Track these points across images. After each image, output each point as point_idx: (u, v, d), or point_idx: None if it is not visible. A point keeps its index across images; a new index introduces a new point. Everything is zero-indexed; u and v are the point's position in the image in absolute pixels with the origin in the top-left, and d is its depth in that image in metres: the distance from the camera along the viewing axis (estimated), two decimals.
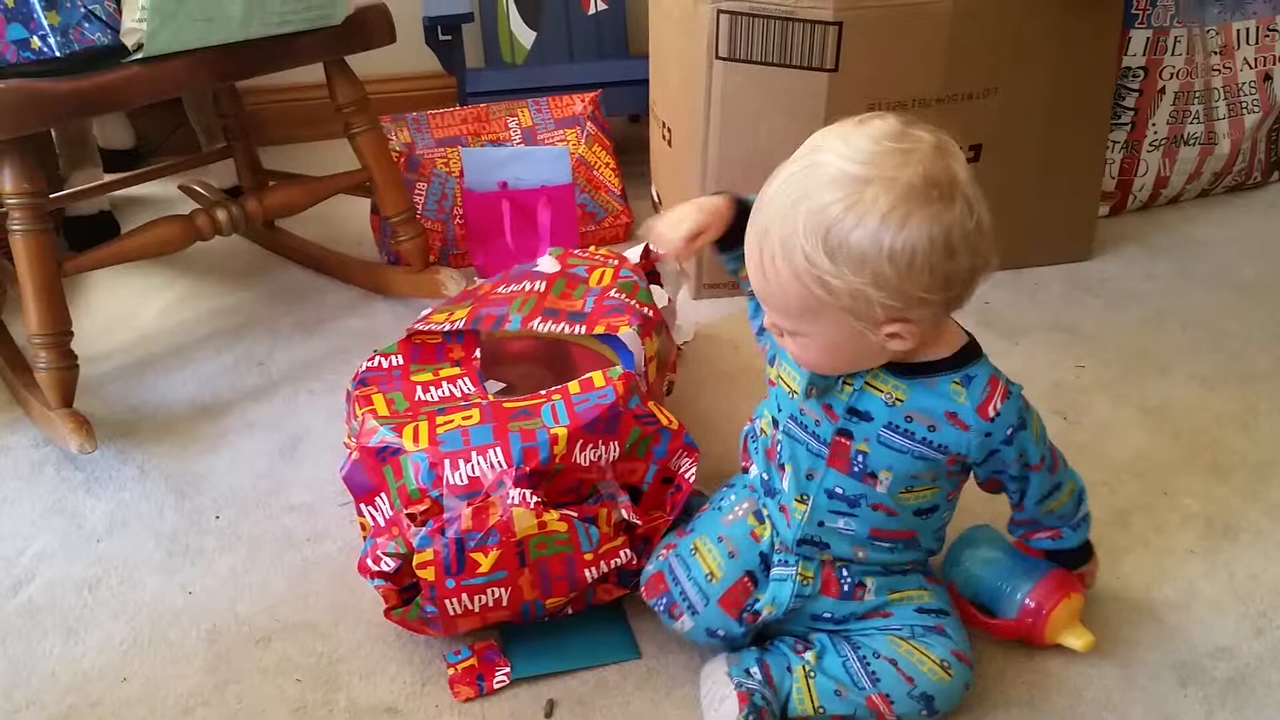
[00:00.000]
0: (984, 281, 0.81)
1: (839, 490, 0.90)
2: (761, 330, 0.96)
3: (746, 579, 0.95)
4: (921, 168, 0.74)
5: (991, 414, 0.85)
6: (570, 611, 1.01)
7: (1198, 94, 1.80)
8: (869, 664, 0.90)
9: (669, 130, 1.71)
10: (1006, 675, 0.97)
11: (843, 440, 0.88)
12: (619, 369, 1.05)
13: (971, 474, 0.92)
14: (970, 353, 0.87)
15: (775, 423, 0.94)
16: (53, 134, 1.89)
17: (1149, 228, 1.85)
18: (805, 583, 0.94)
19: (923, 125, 0.78)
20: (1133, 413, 1.35)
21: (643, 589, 0.98)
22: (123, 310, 1.71)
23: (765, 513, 0.97)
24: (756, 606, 0.94)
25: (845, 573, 0.94)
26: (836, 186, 0.74)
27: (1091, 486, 1.20)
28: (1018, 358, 1.47)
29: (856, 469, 0.88)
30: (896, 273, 0.74)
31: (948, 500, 0.93)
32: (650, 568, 0.98)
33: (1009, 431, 0.86)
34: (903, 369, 0.85)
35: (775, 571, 0.95)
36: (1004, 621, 0.97)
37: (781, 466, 0.93)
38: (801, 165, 0.77)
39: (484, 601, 0.95)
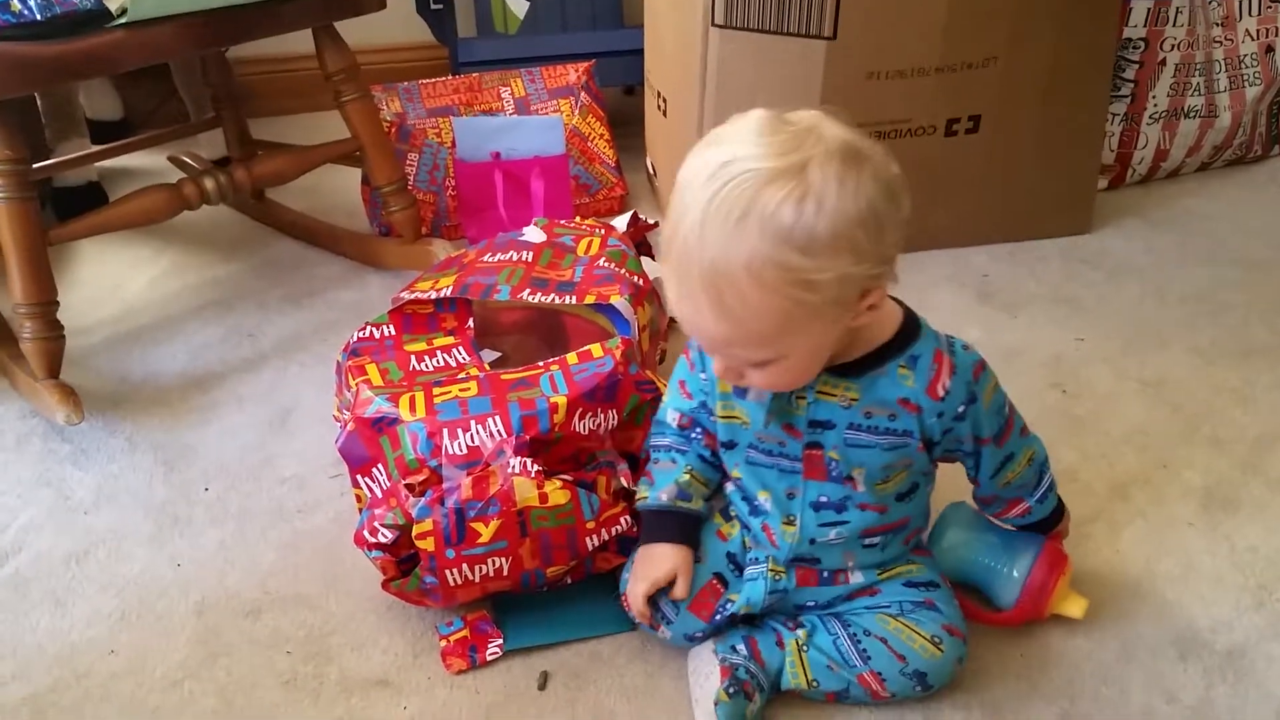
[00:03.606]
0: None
1: (824, 499, 0.88)
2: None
3: (715, 581, 0.93)
4: (832, 135, 0.70)
5: (940, 392, 0.82)
6: (570, 581, 1.00)
7: (1199, 66, 1.78)
8: (859, 642, 0.88)
9: (664, 100, 1.69)
10: (1003, 648, 0.96)
11: (814, 452, 0.86)
12: (617, 339, 1.03)
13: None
14: (910, 328, 0.83)
15: (730, 450, 0.91)
16: (39, 105, 1.86)
17: (1148, 201, 1.83)
18: (778, 578, 0.92)
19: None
20: (1132, 386, 1.34)
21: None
22: (111, 282, 1.69)
23: (733, 512, 0.95)
24: (731, 608, 0.92)
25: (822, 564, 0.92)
26: (776, 185, 0.67)
27: (1090, 460, 1.21)
28: (1017, 330, 1.46)
29: (835, 474, 0.86)
30: (869, 238, 0.70)
31: (925, 476, 0.91)
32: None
33: (960, 408, 0.84)
34: (849, 368, 0.82)
35: (748, 572, 0.93)
36: (1005, 614, 0.96)
37: (753, 498, 0.91)
38: (718, 185, 0.68)
39: (484, 571, 0.94)
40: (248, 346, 1.49)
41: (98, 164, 1.89)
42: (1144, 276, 1.60)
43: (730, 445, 0.90)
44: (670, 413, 0.96)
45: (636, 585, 0.92)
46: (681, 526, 0.94)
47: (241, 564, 1.10)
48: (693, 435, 0.95)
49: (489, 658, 0.96)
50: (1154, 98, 1.78)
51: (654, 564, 0.92)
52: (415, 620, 1.01)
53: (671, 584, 0.92)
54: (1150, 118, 1.80)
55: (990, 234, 1.68)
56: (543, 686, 0.94)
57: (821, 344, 0.77)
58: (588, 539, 0.95)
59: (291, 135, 1.86)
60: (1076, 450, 1.21)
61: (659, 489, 0.94)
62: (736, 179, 0.68)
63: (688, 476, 0.94)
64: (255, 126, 1.90)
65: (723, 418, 0.89)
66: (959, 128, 1.55)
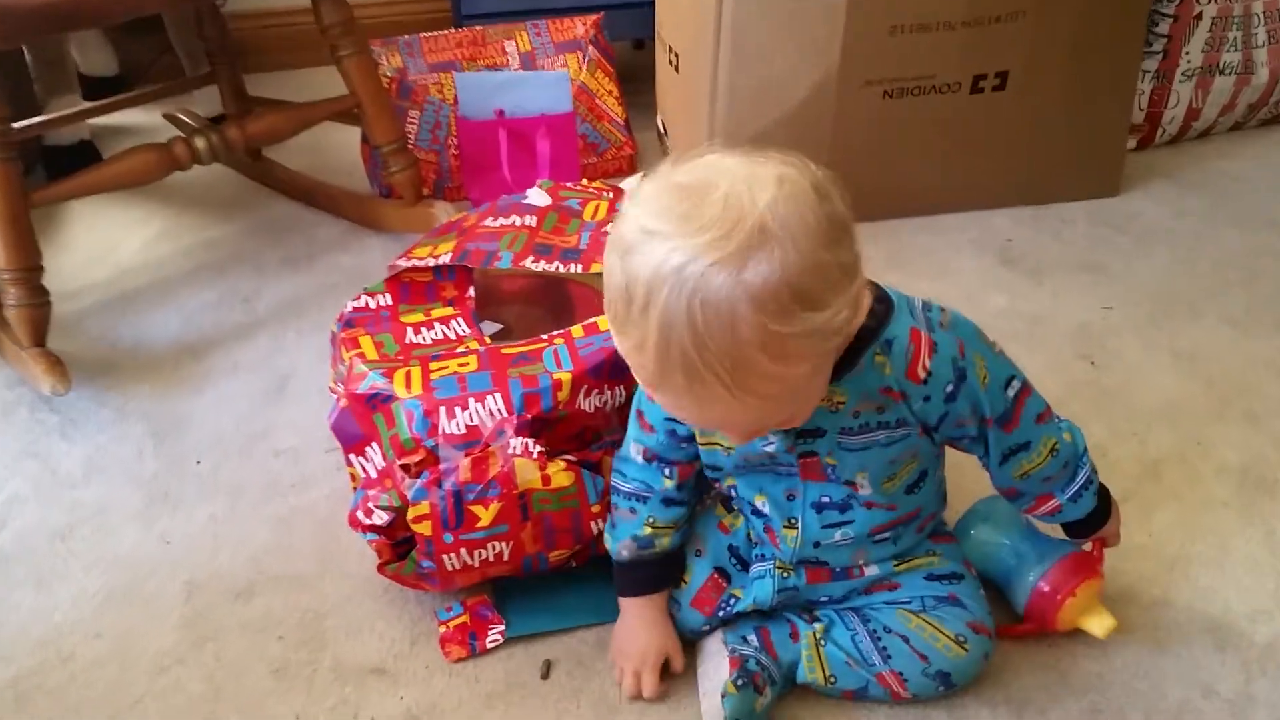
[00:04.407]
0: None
1: (826, 499, 0.82)
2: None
3: (716, 575, 0.88)
4: (745, 176, 0.62)
5: (922, 374, 0.75)
6: (574, 564, 0.95)
7: (1236, 20, 1.70)
8: (879, 639, 0.83)
9: (676, 55, 1.62)
10: (1031, 640, 0.91)
11: (809, 459, 0.80)
12: None
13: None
14: (882, 310, 0.75)
15: (715, 470, 0.86)
16: (28, 59, 1.80)
17: (1179, 162, 1.76)
18: (786, 576, 0.87)
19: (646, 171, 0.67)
20: (1163, 357, 1.28)
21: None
22: (102, 244, 1.63)
23: (736, 504, 0.90)
24: (736, 606, 0.87)
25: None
26: (751, 262, 0.59)
27: (1121, 437, 1.15)
28: (1042, 298, 1.40)
29: (833, 477, 0.80)
30: (844, 249, 0.64)
31: (935, 460, 0.85)
32: None
33: (948, 387, 0.76)
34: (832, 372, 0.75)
35: (754, 569, 0.88)
36: (1016, 626, 0.91)
37: (749, 503, 0.86)
38: (688, 292, 0.59)
39: (484, 556, 0.89)
40: (243, 312, 1.44)
41: (90, 121, 1.83)
42: (1174, 241, 1.54)
43: (715, 467, 0.85)
44: (632, 447, 0.88)
45: (627, 677, 0.87)
46: (651, 574, 0.89)
47: (233, 542, 1.06)
48: (660, 472, 0.87)
49: (489, 645, 0.92)
50: (1187, 54, 1.70)
51: (636, 648, 0.88)
52: (413, 604, 0.97)
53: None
54: (1183, 75, 1.72)
55: (1014, 196, 1.61)
56: (546, 675, 0.90)
57: (829, 368, 0.71)
58: (592, 523, 0.90)
59: (290, 91, 1.80)
60: (1106, 426, 1.16)
61: (619, 542, 0.88)
62: (694, 276, 0.59)
63: (649, 530, 0.87)
64: (253, 82, 1.84)
65: (703, 445, 0.83)
66: (985, 85, 1.48)
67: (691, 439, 0.84)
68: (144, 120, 1.97)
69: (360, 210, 1.64)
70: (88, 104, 1.76)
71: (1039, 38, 1.46)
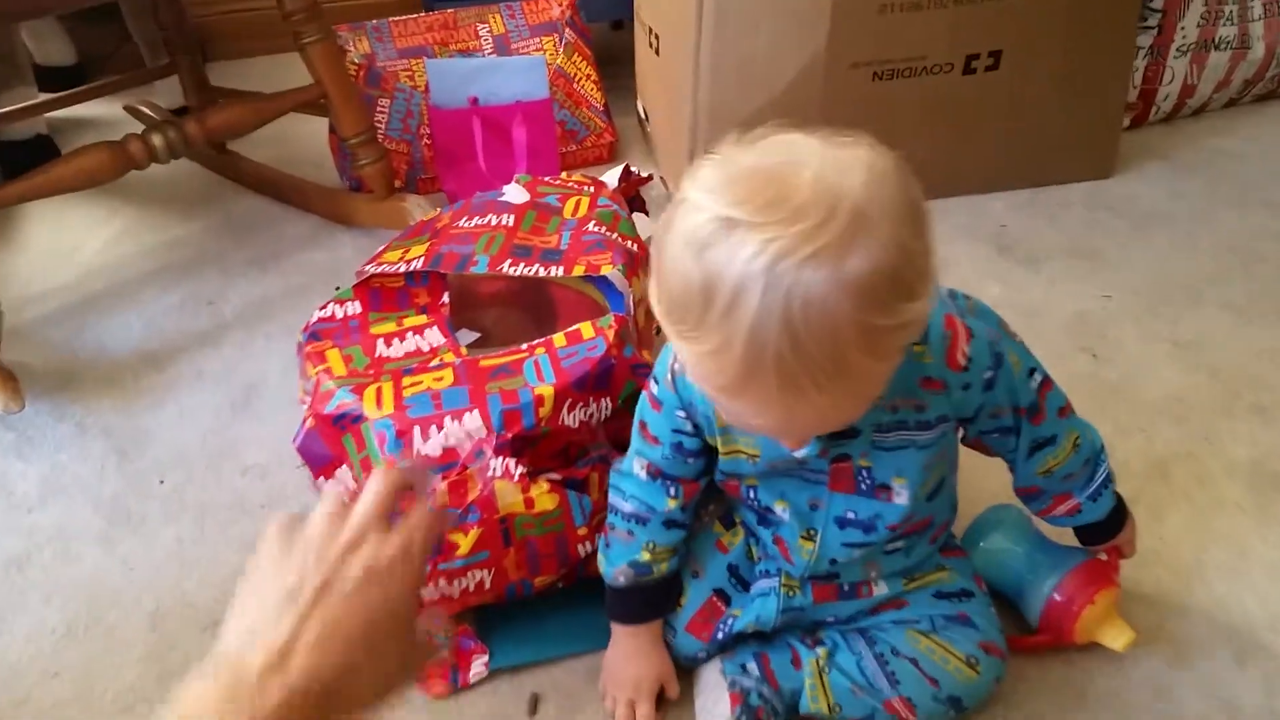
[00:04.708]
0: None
1: (850, 515, 0.76)
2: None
3: (715, 599, 0.83)
4: (826, 157, 0.56)
5: (962, 360, 0.71)
6: (561, 586, 0.90)
7: None
8: (887, 663, 0.79)
9: (656, 37, 1.55)
10: (1044, 655, 0.87)
11: (842, 465, 0.74)
12: (610, 317, 0.92)
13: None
14: None
15: (733, 477, 0.80)
16: None
17: (1174, 141, 1.71)
18: (792, 595, 0.82)
19: (723, 144, 0.59)
20: (1165, 348, 1.24)
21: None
22: (61, 245, 1.57)
23: (736, 517, 0.85)
24: (736, 626, 0.82)
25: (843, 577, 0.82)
26: (836, 252, 0.53)
27: (1127, 433, 1.10)
28: (1039, 287, 1.35)
29: (864, 486, 0.75)
30: (931, 240, 0.58)
31: (953, 465, 0.81)
32: None
33: (988, 374, 0.72)
34: None
35: (757, 586, 0.83)
36: (1028, 638, 0.86)
37: (768, 508, 0.80)
38: (774, 288, 0.53)
39: (464, 585, 0.84)
40: (208, 316, 1.38)
41: (47, 114, 1.76)
42: (1171, 224, 1.49)
43: (734, 475, 0.79)
44: (635, 463, 0.81)
45: (620, 707, 0.83)
46: (647, 600, 0.84)
47: (200, 567, 1.00)
48: (665, 490, 0.81)
49: (473, 679, 0.86)
50: (1182, 28, 1.65)
51: (629, 677, 0.83)
52: None
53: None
54: (1178, 50, 1.67)
55: (1008, 180, 1.56)
56: (533, 710, 0.84)
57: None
58: (579, 546, 0.85)
59: (256, 79, 1.73)
60: (1110, 422, 1.11)
61: (614, 567, 0.82)
62: (800, 270, 0.52)
63: (648, 556, 0.81)
64: (217, 70, 1.78)
65: (725, 454, 0.77)
66: (978, 64, 1.42)
67: (699, 453, 0.79)
68: (104, 112, 1.90)
69: (330, 205, 1.57)
70: (43, 96, 1.68)
71: (1034, 14, 1.40)
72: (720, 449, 0.77)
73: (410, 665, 0.57)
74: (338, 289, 1.02)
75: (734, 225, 0.54)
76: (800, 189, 0.54)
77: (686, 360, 0.62)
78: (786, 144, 0.58)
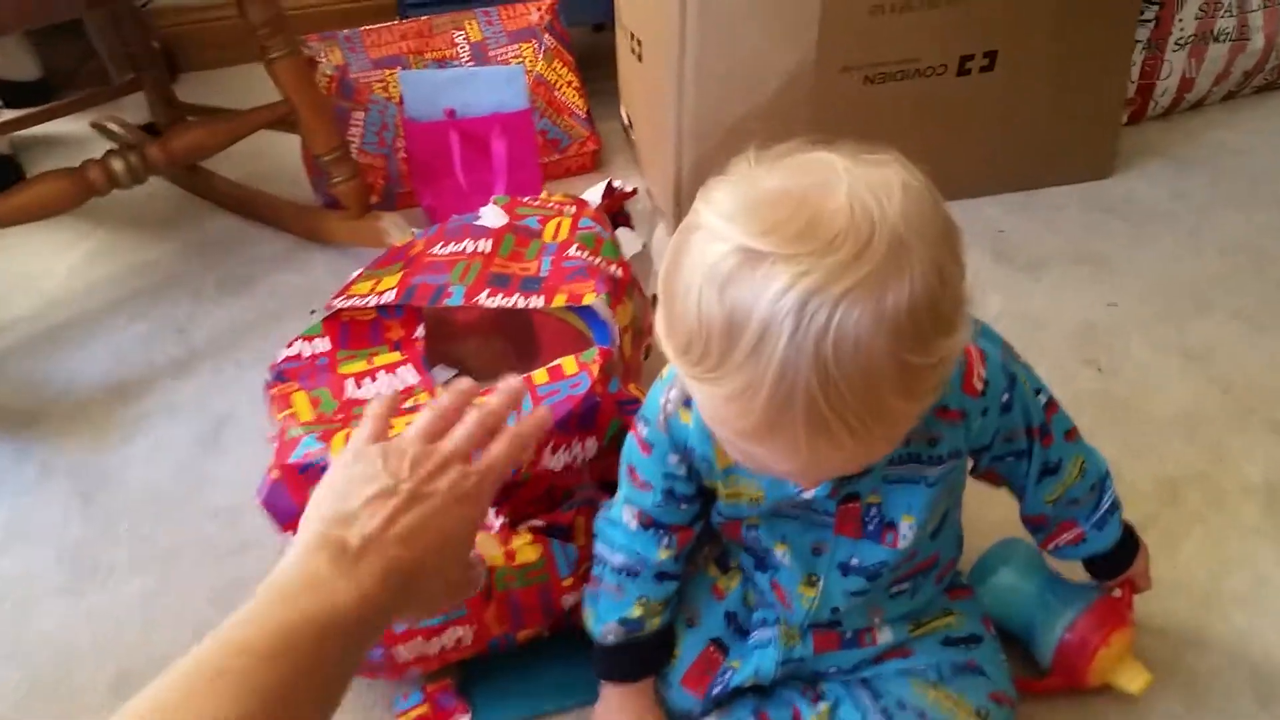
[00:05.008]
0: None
1: (854, 562, 0.71)
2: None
3: (712, 649, 0.78)
4: (850, 178, 0.51)
5: (979, 386, 0.67)
6: (546, 635, 0.85)
7: None
8: (893, 717, 0.74)
9: (639, 43, 1.50)
10: (1054, 697, 0.82)
11: (850, 505, 0.69)
12: (594, 350, 0.87)
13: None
14: None
15: (732, 520, 0.75)
16: None
17: (1172, 137, 1.66)
18: (792, 645, 0.77)
19: (744, 157, 0.55)
20: (1175, 360, 1.19)
21: None
22: (26, 272, 1.51)
23: (733, 562, 0.80)
24: (734, 679, 0.77)
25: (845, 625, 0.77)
26: (875, 286, 0.48)
27: (1137, 453, 1.06)
28: (1040, 296, 1.30)
29: (871, 528, 0.70)
30: (963, 258, 0.54)
31: (957, 500, 0.76)
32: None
33: (1004, 396, 0.68)
34: None
35: (755, 636, 0.78)
36: (1039, 681, 0.82)
37: (768, 551, 0.75)
38: (805, 327, 0.48)
39: (443, 644, 0.79)
40: (177, 344, 1.33)
41: (10, 135, 1.70)
42: (1175, 226, 1.45)
43: (734, 517, 0.74)
44: (625, 510, 0.76)
45: None
46: (639, 658, 0.78)
47: (169, 620, 0.95)
48: (657, 540, 0.76)
49: None
50: (1180, 21, 1.60)
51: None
52: (366, 692, 0.86)
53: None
54: (1176, 43, 1.62)
55: (1003, 182, 1.51)
56: None
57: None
58: (564, 597, 0.80)
59: (225, 92, 1.67)
60: (1119, 442, 1.06)
61: (603, 624, 0.77)
62: (835, 307, 0.48)
63: (639, 611, 0.76)
64: (189, 82, 1.72)
65: (727, 498, 0.72)
66: (972, 66, 1.37)
67: (693, 498, 0.74)
68: (70, 129, 1.84)
69: (305, 223, 1.52)
70: (6, 114, 1.63)
71: (1027, 10, 1.35)
72: (721, 492, 0.72)
73: (459, 588, 0.65)
74: (313, 312, 0.97)
75: (760, 258, 0.49)
76: (835, 216, 0.49)
77: (703, 403, 0.57)
78: (812, 164, 0.53)
